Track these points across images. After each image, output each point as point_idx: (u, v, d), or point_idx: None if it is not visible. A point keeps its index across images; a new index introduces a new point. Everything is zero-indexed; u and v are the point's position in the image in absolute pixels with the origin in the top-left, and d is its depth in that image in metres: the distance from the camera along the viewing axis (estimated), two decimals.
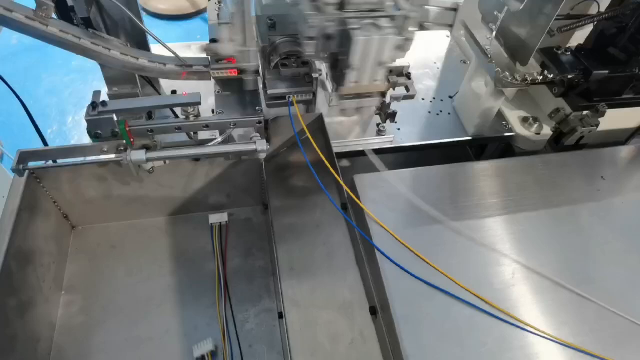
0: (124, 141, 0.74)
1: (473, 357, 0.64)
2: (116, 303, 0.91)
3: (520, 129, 1.04)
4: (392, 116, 0.88)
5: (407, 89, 0.82)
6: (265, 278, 0.97)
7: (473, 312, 0.68)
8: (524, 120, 1.05)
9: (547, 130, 1.04)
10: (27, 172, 0.81)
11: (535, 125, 1.04)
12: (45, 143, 0.89)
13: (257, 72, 0.75)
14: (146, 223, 1.03)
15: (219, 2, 0.89)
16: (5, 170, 1.46)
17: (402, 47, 0.73)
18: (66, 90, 2.33)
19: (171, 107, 0.83)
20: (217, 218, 1.02)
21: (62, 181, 0.88)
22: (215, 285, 0.94)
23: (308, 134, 0.77)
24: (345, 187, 0.74)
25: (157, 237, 1.02)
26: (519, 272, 0.74)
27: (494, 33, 0.85)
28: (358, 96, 0.77)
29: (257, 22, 0.82)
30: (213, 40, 0.83)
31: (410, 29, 0.71)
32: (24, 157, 0.71)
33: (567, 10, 0.92)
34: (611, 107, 0.95)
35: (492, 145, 1.11)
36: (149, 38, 0.94)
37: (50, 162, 0.82)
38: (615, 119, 1.02)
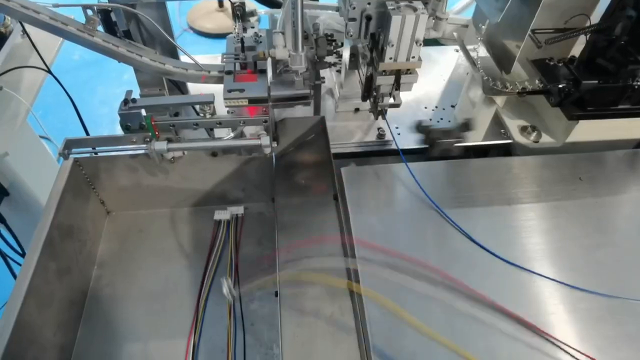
0: (150, 133, 0.87)
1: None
2: (139, 280, 1.04)
3: (518, 137, 1.09)
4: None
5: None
6: (272, 266, 1.06)
7: (430, 287, 0.75)
8: (523, 128, 1.10)
9: (546, 139, 1.08)
10: (72, 159, 0.96)
11: (534, 134, 1.09)
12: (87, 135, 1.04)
13: (306, 72, 0.87)
14: (171, 212, 1.16)
15: (238, 36, 1.00)
16: None
17: (436, 27, 0.83)
18: (117, 101, 2.55)
19: (188, 105, 0.96)
20: (234, 211, 1.13)
21: (100, 170, 1.02)
22: (227, 270, 1.05)
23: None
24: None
25: (180, 225, 1.14)
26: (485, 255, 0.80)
27: (479, 44, 0.91)
28: (397, 73, 0.84)
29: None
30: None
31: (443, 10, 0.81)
32: (69, 144, 0.86)
33: (561, 24, 0.98)
34: (606, 117, 0.98)
35: (493, 151, 1.16)
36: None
37: (91, 152, 0.97)
38: (618, 129, 1.05)
